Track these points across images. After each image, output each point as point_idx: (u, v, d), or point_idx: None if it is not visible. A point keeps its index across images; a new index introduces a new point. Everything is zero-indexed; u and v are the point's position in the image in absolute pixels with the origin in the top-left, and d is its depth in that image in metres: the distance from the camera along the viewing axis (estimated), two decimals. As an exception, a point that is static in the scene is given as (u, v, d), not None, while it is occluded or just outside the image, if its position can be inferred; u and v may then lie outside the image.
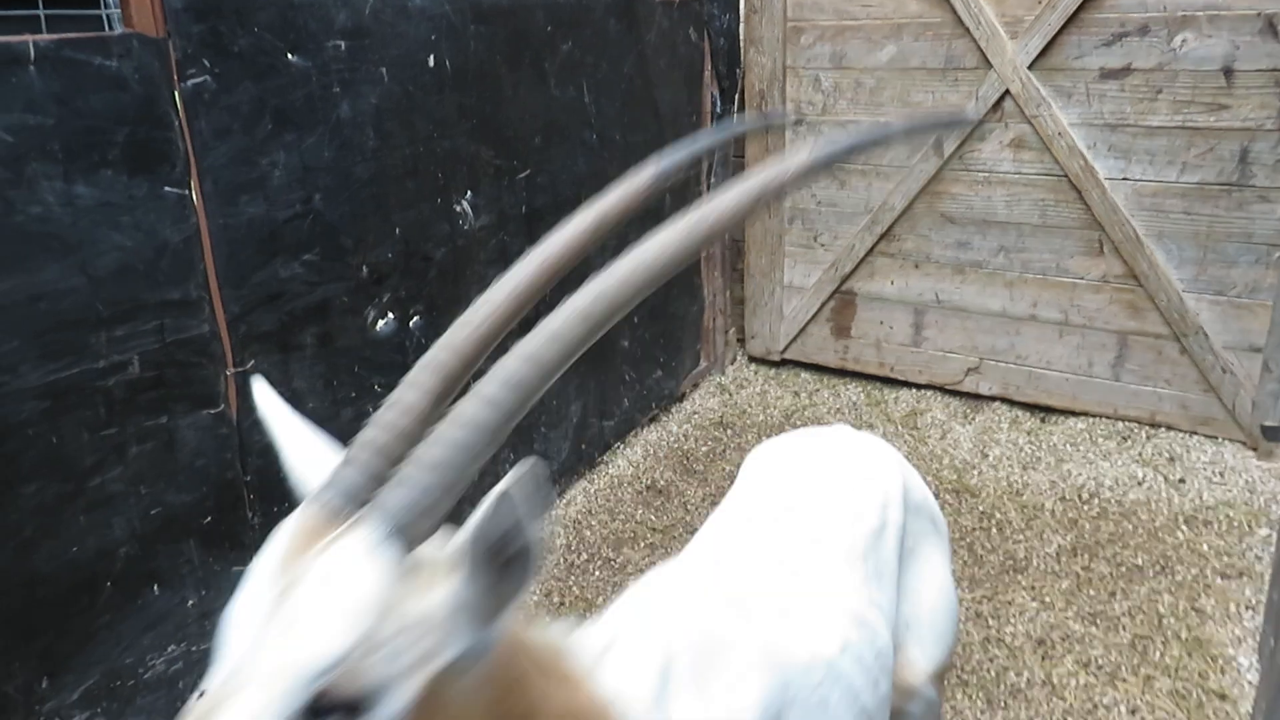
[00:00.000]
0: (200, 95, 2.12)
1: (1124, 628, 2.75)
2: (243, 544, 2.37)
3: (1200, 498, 3.37)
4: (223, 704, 0.74)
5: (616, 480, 3.74)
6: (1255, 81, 3.35)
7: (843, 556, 1.54)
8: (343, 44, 2.43)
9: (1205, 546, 3.10)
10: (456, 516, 0.86)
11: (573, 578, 3.14)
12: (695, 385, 4.53)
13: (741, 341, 4.83)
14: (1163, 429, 3.82)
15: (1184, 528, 3.20)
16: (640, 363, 4.03)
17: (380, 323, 2.67)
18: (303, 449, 1.06)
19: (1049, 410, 4.06)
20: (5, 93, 1.78)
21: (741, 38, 4.33)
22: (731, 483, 3.61)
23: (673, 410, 4.33)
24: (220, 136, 2.17)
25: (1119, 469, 3.60)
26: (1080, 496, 3.44)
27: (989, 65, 3.78)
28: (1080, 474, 3.58)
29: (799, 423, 4.12)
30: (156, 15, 2.02)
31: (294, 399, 2.44)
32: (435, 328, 2.86)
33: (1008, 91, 3.76)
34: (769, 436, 3.96)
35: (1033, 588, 2.95)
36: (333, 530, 0.84)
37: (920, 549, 1.75)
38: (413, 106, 2.69)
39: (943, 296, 4.19)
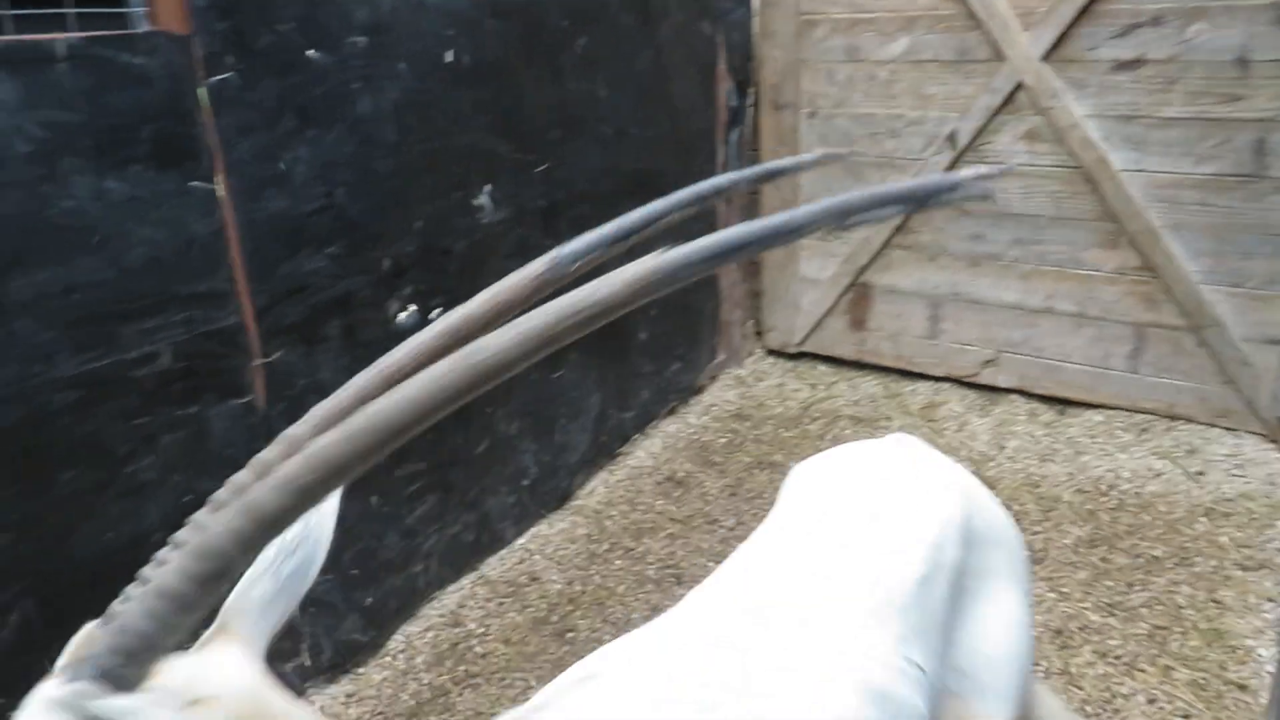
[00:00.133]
0: (225, 92, 2.16)
1: (1142, 619, 2.76)
2: (269, 533, 2.41)
3: (1219, 490, 3.37)
4: None
5: (636, 471, 3.77)
6: (1270, 72, 3.34)
7: (873, 611, 1.29)
8: (363, 40, 2.47)
9: (1224, 538, 3.10)
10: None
11: (594, 567, 3.17)
12: (713, 378, 4.56)
13: (759, 334, 4.85)
14: (1181, 421, 3.82)
15: (1203, 520, 3.21)
16: (658, 356, 4.06)
17: (402, 315, 2.71)
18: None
19: (1066, 402, 4.06)
20: (36, 90, 1.83)
21: (755, 31, 4.34)
22: (749, 474, 3.67)
23: (691, 402, 4.36)
24: (244, 132, 2.21)
25: (1137, 461, 3.60)
26: (1098, 488, 3.44)
27: (1002, 57, 3.79)
28: (1098, 466, 3.59)
29: (816, 415, 4.14)
30: (182, 13, 2.06)
31: (318, 390, 2.48)
32: (455, 321, 2.90)
33: (1021, 84, 3.77)
34: (786, 429, 4.02)
35: (1050, 578, 2.96)
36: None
37: (987, 587, 1.48)
38: (431, 101, 2.72)
39: (959, 289, 4.20)
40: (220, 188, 2.18)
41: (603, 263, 0.81)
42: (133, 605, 0.73)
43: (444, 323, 0.80)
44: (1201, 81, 3.45)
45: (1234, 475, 3.45)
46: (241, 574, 0.75)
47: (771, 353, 4.79)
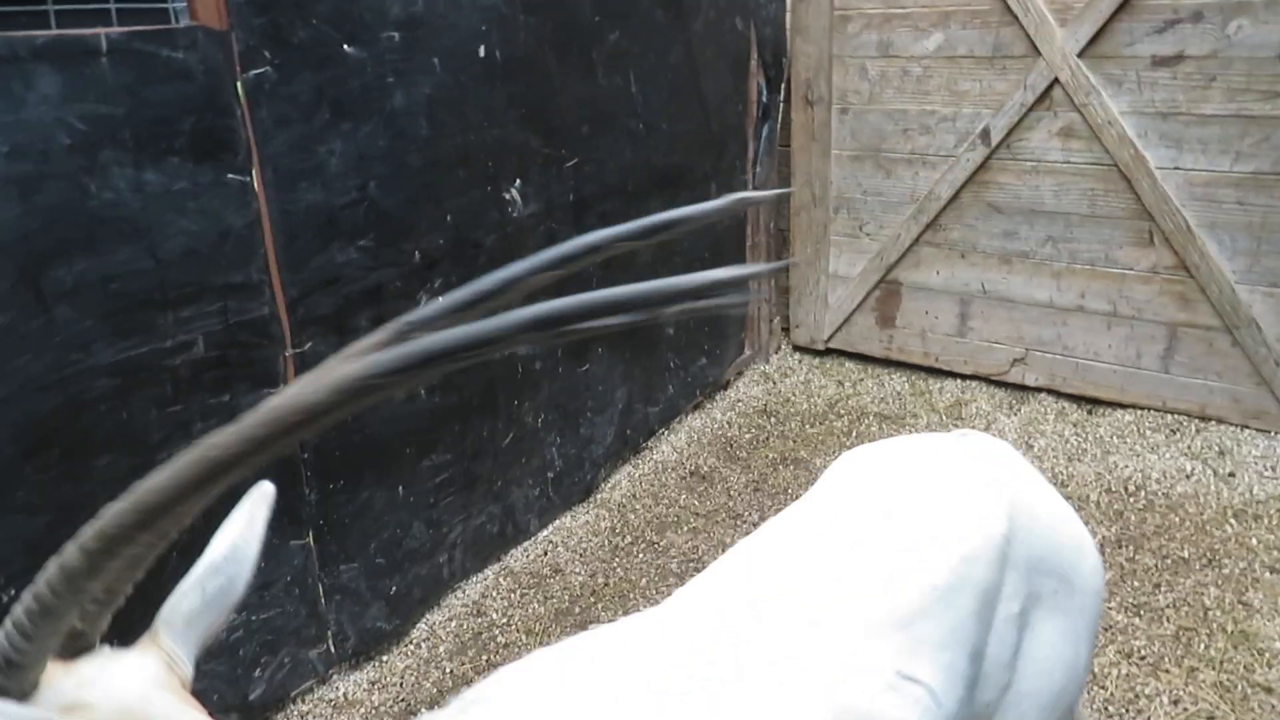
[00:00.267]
0: (261, 85, 2.19)
1: (1168, 619, 2.74)
2: (300, 519, 2.46)
3: (1250, 492, 3.33)
4: None
5: (661, 465, 3.79)
6: (1313, 69, 3.29)
7: (876, 618, 1.21)
8: (397, 35, 2.50)
9: (1254, 541, 3.07)
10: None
11: (616, 560, 3.19)
12: (739, 373, 4.56)
13: (786, 330, 4.85)
14: (1213, 422, 3.78)
15: (1233, 521, 3.17)
16: (685, 350, 4.07)
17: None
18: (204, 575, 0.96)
19: (1096, 402, 4.03)
20: (79, 83, 1.87)
21: (788, 26, 4.33)
22: (773, 470, 3.67)
23: (717, 398, 4.37)
24: (280, 126, 2.25)
25: (1167, 462, 3.56)
26: (1126, 489, 3.41)
27: (1037, 53, 3.76)
28: (1127, 466, 3.56)
29: (842, 412, 4.14)
30: (220, 8, 2.10)
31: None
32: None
33: (1056, 80, 3.73)
34: (812, 425, 4.02)
35: (1076, 578, 2.94)
36: None
37: (1034, 615, 1.35)
38: (464, 96, 2.75)
39: (989, 286, 4.17)
40: (255, 180, 2.21)
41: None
42: (8, 618, 0.78)
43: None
44: (1242, 78, 3.41)
45: (1266, 477, 3.41)
46: (89, 590, 0.79)
47: (799, 349, 4.79)
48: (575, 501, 3.52)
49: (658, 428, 4.01)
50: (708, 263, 4.11)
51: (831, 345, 4.67)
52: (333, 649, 2.63)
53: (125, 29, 1.95)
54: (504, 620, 2.92)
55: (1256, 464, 3.49)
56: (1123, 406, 3.96)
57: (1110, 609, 2.79)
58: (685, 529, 3.34)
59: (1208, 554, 3.01)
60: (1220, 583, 2.87)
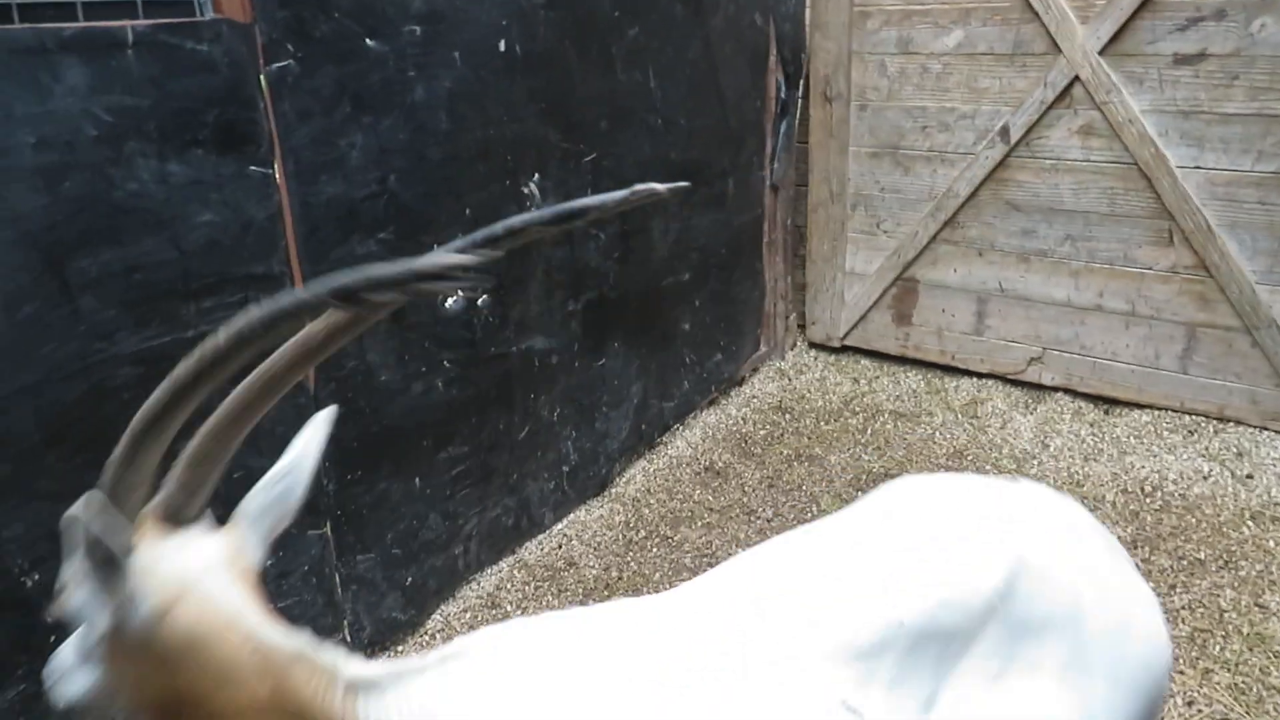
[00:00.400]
0: (284, 78, 2.21)
1: (1183, 620, 2.73)
2: (318, 509, 2.48)
3: (1269, 494, 3.31)
4: None
5: (675, 461, 3.80)
6: (1337, 68, 3.27)
7: (835, 644, 1.20)
8: (418, 29, 2.51)
9: (1272, 543, 3.05)
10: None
11: (630, 554, 3.20)
12: (755, 369, 4.57)
13: (802, 327, 4.84)
14: (1231, 423, 3.75)
15: (1250, 523, 3.16)
16: (701, 346, 4.07)
17: (450, 301, 2.76)
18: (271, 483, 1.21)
19: (1113, 402, 4.01)
20: (106, 75, 1.89)
21: (807, 22, 4.33)
22: (788, 466, 3.67)
23: (732, 394, 4.37)
24: (302, 118, 2.27)
25: (1184, 463, 3.55)
26: (1143, 489, 3.40)
27: (1058, 50, 3.74)
28: (1143, 467, 3.54)
29: (857, 410, 4.14)
30: (244, 1, 2.12)
31: (368, 372, 2.54)
32: (502, 306, 2.94)
33: (1077, 77, 3.72)
34: (827, 422, 4.02)
35: (1091, 577, 2.93)
36: None
37: (1018, 681, 1.24)
38: (484, 90, 2.76)
39: (1006, 285, 4.16)
40: (277, 173, 2.23)
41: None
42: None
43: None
44: (1265, 77, 3.38)
45: (1285, 480, 3.39)
46: (149, 458, 1.06)
47: (814, 346, 4.79)
48: (590, 495, 3.54)
49: (673, 423, 4.01)
50: (725, 259, 4.11)
51: (847, 342, 4.67)
52: (349, 638, 2.65)
53: (151, 21, 1.97)
54: (518, 612, 2.94)
55: (1275, 466, 3.48)
56: (1140, 407, 3.94)
57: (1125, 609, 2.78)
58: (699, 524, 3.35)
59: (1224, 556, 3.00)
60: (1237, 585, 2.86)
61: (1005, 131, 3.94)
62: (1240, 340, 3.67)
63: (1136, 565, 2.93)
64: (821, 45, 4.31)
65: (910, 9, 4.07)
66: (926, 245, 4.29)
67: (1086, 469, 3.56)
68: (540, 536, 3.32)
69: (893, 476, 3.50)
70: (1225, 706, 2.42)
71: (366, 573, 2.66)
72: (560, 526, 3.39)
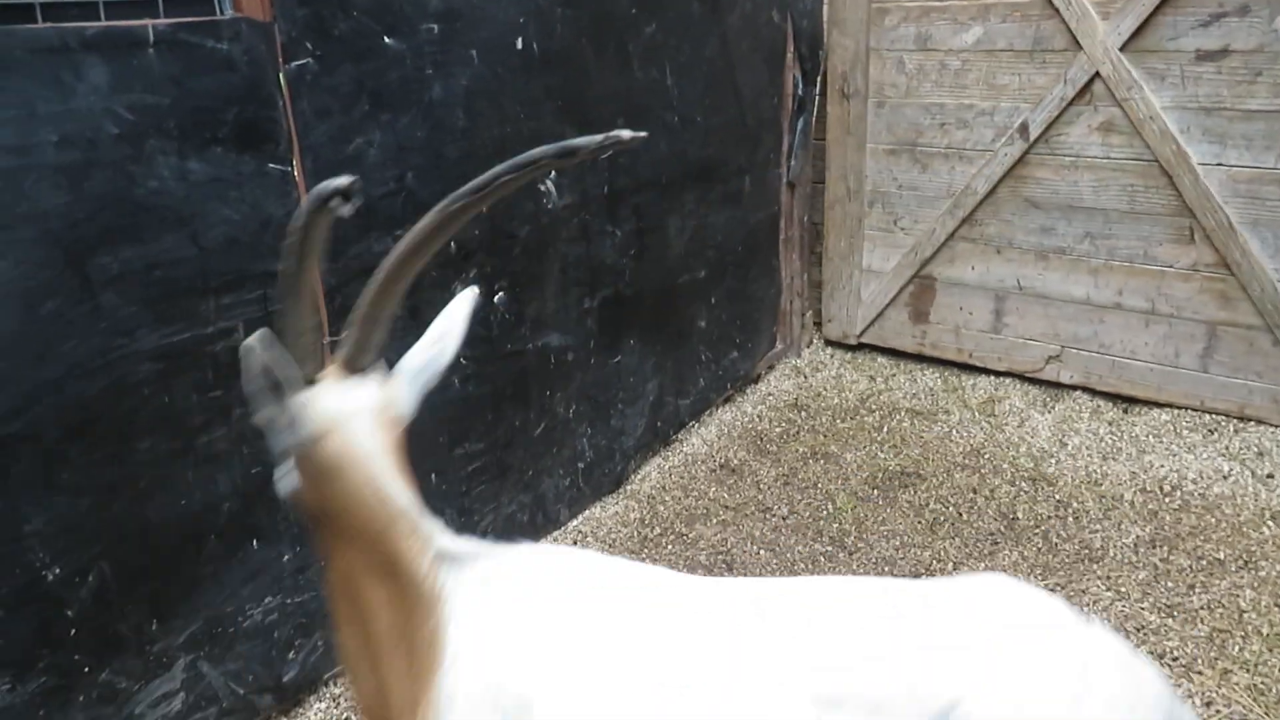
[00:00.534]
0: (303, 76, 2.22)
1: (1202, 621, 2.72)
2: (334, 505, 2.50)
3: (1289, 493, 3.29)
4: None
5: (691, 458, 3.80)
6: (1362, 64, 3.23)
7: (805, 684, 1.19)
8: (436, 27, 2.52)
9: (1292, 543, 3.03)
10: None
11: (645, 551, 3.21)
12: (771, 367, 4.56)
13: (818, 325, 4.83)
14: (1252, 423, 3.72)
15: (1270, 523, 3.13)
16: (717, 343, 4.07)
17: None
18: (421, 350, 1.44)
19: (1132, 401, 3.98)
20: (127, 74, 1.91)
21: (825, 19, 4.31)
22: (803, 464, 3.67)
23: (748, 391, 4.37)
24: (321, 116, 2.28)
25: (1204, 462, 3.52)
26: (1161, 489, 3.38)
27: (1079, 47, 3.71)
28: (1163, 466, 3.52)
29: (874, 407, 4.13)
30: (264, 0, 2.13)
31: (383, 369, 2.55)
32: (519, 303, 2.95)
33: (1097, 74, 3.69)
34: (843, 420, 4.01)
35: (1108, 578, 2.92)
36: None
37: None
38: (501, 88, 2.76)
39: (1025, 283, 4.14)
40: (296, 170, 2.25)
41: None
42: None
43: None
44: (1287, 74, 3.35)
45: (1306, 480, 3.36)
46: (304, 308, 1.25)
47: (830, 343, 4.78)
48: (605, 492, 3.54)
49: (688, 420, 4.02)
50: (741, 256, 4.11)
51: (864, 340, 4.66)
52: (366, 633, 2.66)
53: (172, 20, 1.99)
54: (534, 608, 2.95)
55: (1296, 466, 3.45)
56: (1159, 405, 3.92)
57: (1143, 609, 2.77)
58: (714, 521, 3.35)
59: (1244, 556, 2.97)
60: (1256, 585, 2.84)
61: (1024, 128, 3.92)
62: (1262, 339, 3.63)
63: (1155, 565, 2.92)
64: (839, 42, 4.29)
65: (929, 5, 4.05)
66: (944, 243, 4.27)
67: (1105, 468, 3.54)
68: (555, 533, 3.33)
69: (909, 474, 3.52)
70: (1244, 707, 2.41)
71: (383, 568, 2.68)
72: (575, 523, 3.40)
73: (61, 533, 1.93)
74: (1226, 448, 3.60)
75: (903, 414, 4.05)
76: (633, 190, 3.36)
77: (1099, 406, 4.00)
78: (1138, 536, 3.11)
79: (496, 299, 2.87)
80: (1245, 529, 3.11)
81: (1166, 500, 3.31)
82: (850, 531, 3.25)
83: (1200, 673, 2.52)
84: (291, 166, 2.23)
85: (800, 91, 4.26)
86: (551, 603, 1.29)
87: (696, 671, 1.22)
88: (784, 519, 3.35)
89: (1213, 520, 3.17)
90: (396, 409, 1.35)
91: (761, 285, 4.35)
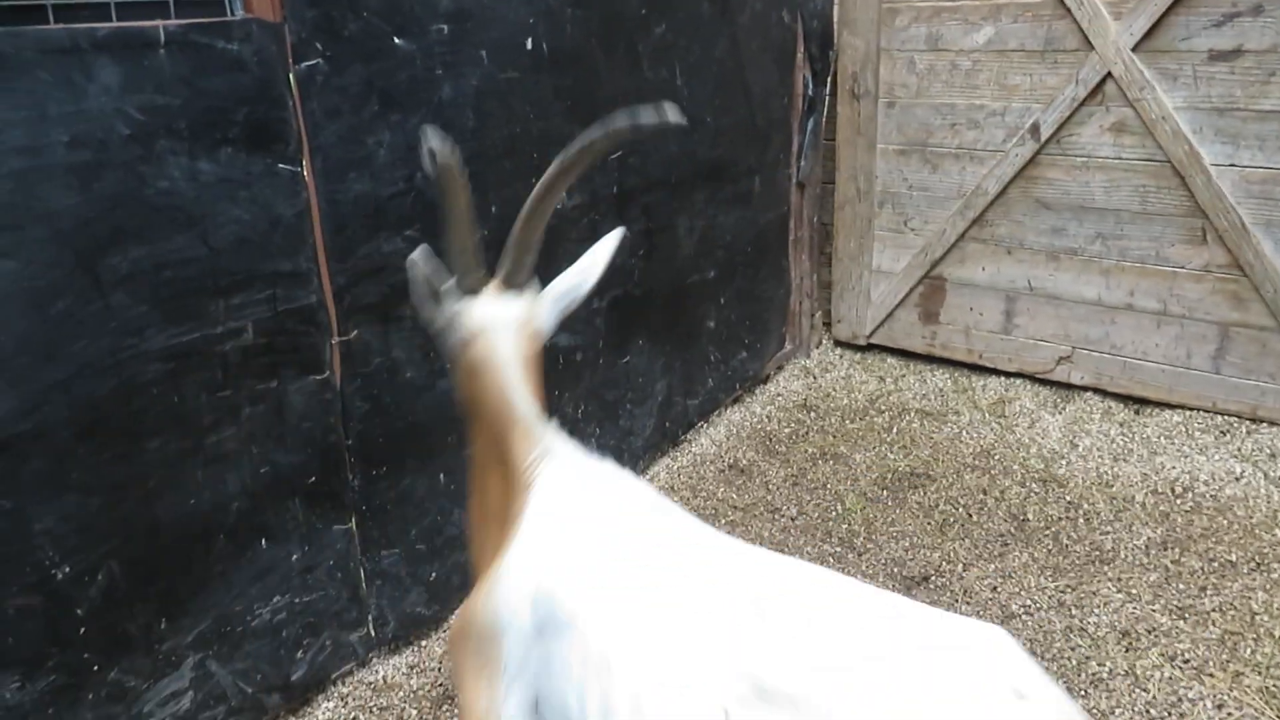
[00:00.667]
0: (313, 77, 2.23)
1: (1214, 623, 2.70)
2: (343, 504, 2.50)
3: (1302, 496, 3.27)
4: None
5: (699, 458, 3.80)
6: (1377, 64, 3.21)
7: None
8: (446, 27, 2.52)
9: (1305, 545, 3.01)
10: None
11: (654, 551, 3.20)
12: (780, 367, 4.55)
13: (827, 325, 4.82)
14: (1264, 424, 3.70)
15: (1283, 526, 3.12)
16: (725, 344, 4.07)
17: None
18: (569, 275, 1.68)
19: (1144, 402, 3.96)
20: (138, 74, 1.91)
21: (835, 19, 4.30)
22: (812, 465, 3.66)
23: (756, 391, 4.36)
24: (331, 116, 2.28)
25: (1216, 464, 3.50)
26: (1173, 490, 3.36)
27: (1090, 47, 3.70)
28: (1174, 467, 3.50)
29: (883, 408, 4.12)
30: (274, 1, 2.13)
31: (393, 368, 2.55)
32: (527, 304, 2.95)
33: (1109, 74, 3.67)
34: (852, 420, 4.00)
35: (1119, 579, 2.90)
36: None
37: None
38: (510, 88, 2.76)
39: (1035, 283, 4.12)
40: (306, 170, 2.25)
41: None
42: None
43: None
44: (1301, 74, 3.33)
45: (1319, 483, 3.34)
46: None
47: (840, 344, 4.77)
48: (614, 492, 3.53)
49: (697, 421, 4.01)
50: (750, 256, 4.10)
51: (873, 341, 4.65)
52: (373, 633, 2.67)
53: (182, 21, 2.00)
54: (542, 608, 2.95)
55: (1309, 468, 3.42)
56: (1171, 407, 3.90)
57: (1154, 611, 2.75)
58: (723, 522, 3.35)
59: (1256, 558, 2.96)
60: (1269, 587, 2.82)
61: (1036, 129, 3.90)
62: (1275, 340, 3.61)
63: (1167, 567, 2.91)
64: (849, 42, 4.28)
65: (940, 6, 4.04)
66: (955, 243, 4.26)
67: (1116, 469, 3.52)
68: (564, 533, 3.32)
69: (918, 475, 3.51)
70: (1256, 710, 2.39)
71: (391, 568, 2.68)
72: (584, 523, 3.39)
73: (71, 532, 1.94)
74: (1239, 449, 3.58)
75: (912, 415, 4.04)
76: (642, 190, 3.35)
77: (1110, 408, 3.99)
78: (1149, 538, 3.09)
79: (505, 299, 2.87)
80: (1257, 531, 3.09)
81: (1178, 502, 3.29)
82: (859, 532, 3.24)
83: (1212, 675, 2.51)
84: (301, 167, 2.24)
85: (810, 92, 4.25)
86: (596, 522, 1.44)
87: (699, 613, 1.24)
88: (793, 520, 3.34)
89: (1225, 522, 3.15)
90: (537, 325, 1.59)
91: (771, 286, 4.34)
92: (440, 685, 2.65)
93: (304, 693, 2.53)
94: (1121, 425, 3.84)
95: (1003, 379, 4.30)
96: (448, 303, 1.55)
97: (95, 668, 2.03)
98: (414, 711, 2.55)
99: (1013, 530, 3.20)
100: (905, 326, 4.53)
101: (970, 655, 1.10)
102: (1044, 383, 4.20)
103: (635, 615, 1.26)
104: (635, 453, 3.62)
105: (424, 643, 2.82)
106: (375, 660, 2.72)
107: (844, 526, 3.28)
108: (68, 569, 1.94)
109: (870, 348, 4.68)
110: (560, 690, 1.29)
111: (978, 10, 3.95)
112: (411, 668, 2.72)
